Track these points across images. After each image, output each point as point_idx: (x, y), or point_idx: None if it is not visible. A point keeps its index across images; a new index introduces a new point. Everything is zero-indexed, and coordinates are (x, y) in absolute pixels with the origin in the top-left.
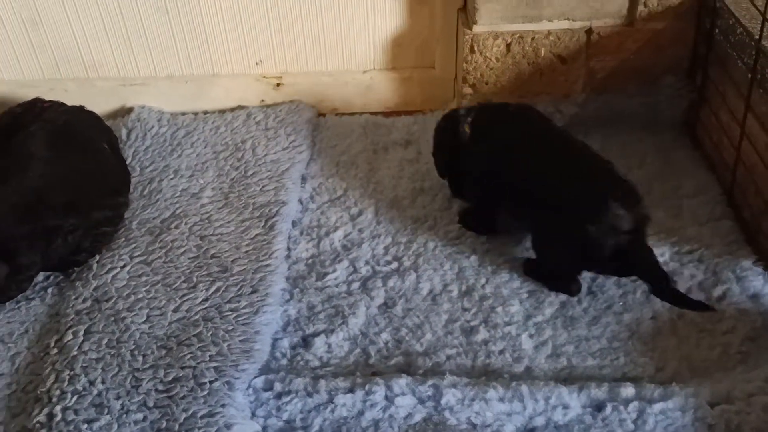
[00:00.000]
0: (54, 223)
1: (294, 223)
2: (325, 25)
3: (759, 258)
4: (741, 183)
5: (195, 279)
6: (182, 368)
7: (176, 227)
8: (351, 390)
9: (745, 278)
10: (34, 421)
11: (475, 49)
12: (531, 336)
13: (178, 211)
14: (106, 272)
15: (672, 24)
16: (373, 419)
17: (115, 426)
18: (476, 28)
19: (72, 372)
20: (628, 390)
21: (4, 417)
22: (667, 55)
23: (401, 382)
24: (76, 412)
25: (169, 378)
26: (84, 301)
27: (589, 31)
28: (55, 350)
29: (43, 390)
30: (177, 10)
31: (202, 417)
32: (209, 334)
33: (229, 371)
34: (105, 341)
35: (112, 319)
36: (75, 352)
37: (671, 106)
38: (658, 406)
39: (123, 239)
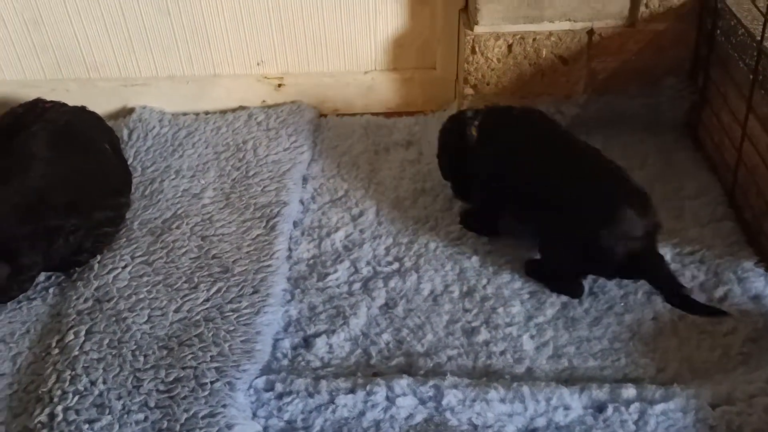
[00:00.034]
0: (55, 223)
1: (295, 224)
2: (327, 26)
3: (760, 259)
4: (742, 184)
5: (196, 279)
6: (183, 368)
7: (177, 227)
8: (352, 390)
9: (746, 279)
10: (36, 421)
11: (477, 49)
12: (532, 337)
13: (179, 212)
14: (108, 272)
15: (673, 25)
16: (374, 420)
17: (117, 426)
18: (477, 29)
19: (73, 372)
20: (629, 391)
21: (6, 417)
22: (669, 56)
23: (402, 383)
24: (77, 412)
25: (171, 378)
26: (85, 301)
27: (590, 32)
28: (57, 350)
29: (44, 390)
30: (178, 11)
31: (203, 417)
32: (210, 335)
33: (230, 371)
34: (106, 341)
35: (114, 319)
36: (76, 352)
37: (673, 107)
38: (659, 407)
39: (124, 239)
